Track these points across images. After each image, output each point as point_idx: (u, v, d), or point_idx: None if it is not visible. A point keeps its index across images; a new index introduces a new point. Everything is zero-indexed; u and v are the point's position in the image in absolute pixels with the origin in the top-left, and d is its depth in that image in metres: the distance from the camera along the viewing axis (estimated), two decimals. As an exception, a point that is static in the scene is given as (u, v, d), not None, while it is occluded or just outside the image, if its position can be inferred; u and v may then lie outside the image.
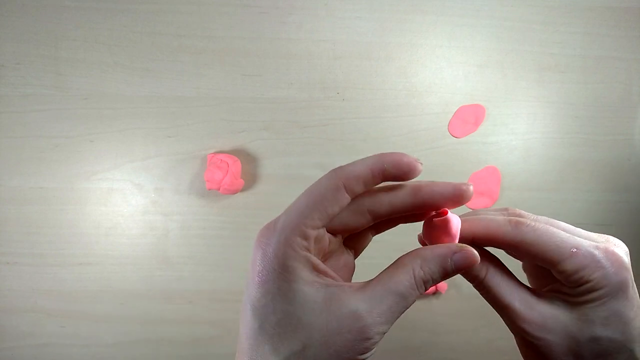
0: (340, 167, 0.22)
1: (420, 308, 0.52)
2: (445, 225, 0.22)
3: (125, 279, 0.50)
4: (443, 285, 0.50)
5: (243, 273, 0.51)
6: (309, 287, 0.21)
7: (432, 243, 0.23)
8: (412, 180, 0.22)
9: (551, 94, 0.52)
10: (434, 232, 0.23)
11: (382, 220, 0.24)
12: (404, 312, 0.21)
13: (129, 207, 0.50)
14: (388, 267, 0.22)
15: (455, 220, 0.22)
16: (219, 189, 0.48)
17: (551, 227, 0.22)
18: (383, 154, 0.22)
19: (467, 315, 0.52)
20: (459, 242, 0.23)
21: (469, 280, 0.24)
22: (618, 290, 0.22)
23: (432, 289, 0.50)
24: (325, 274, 0.22)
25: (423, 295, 0.51)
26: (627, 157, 0.53)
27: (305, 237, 0.21)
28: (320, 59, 0.51)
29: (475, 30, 0.52)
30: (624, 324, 0.22)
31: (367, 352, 0.21)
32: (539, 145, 0.52)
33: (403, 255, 0.22)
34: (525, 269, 0.28)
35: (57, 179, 0.50)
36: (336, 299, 0.21)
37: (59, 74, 0.49)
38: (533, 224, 0.23)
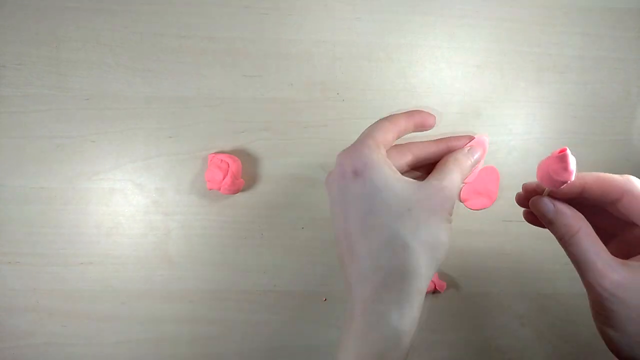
0: (389, 115, 0.32)
1: (420, 307, 0.52)
2: (565, 161, 0.25)
3: (127, 279, 0.51)
4: (443, 284, 0.51)
5: (243, 272, 0.51)
6: (395, 176, 0.28)
7: (549, 180, 0.26)
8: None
9: (550, 94, 0.52)
10: (553, 167, 0.25)
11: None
12: (459, 187, 0.29)
13: (130, 207, 0.51)
14: (437, 167, 0.31)
15: (572, 157, 0.25)
16: (219, 189, 0.48)
17: None
18: (412, 110, 0.32)
19: (466, 315, 0.53)
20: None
21: (560, 236, 0.27)
22: None
23: (431, 288, 0.50)
24: (397, 172, 0.29)
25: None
26: (626, 157, 0.53)
27: (378, 146, 0.28)
28: (321, 59, 0.51)
29: (474, 31, 0.52)
30: None
31: (451, 213, 0.28)
32: (537, 146, 0.52)
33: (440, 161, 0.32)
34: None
35: (58, 179, 0.50)
36: (414, 182, 0.28)
37: (60, 75, 0.50)
38: None
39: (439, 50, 0.52)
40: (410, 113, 0.32)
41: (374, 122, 0.31)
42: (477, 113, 0.52)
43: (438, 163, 0.31)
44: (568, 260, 0.27)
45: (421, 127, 0.33)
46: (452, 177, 0.28)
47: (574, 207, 0.28)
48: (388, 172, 0.27)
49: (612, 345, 0.25)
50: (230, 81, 0.50)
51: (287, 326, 0.52)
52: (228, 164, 0.48)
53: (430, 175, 0.29)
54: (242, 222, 0.51)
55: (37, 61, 0.49)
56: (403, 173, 0.31)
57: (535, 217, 0.31)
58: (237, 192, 0.49)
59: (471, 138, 0.33)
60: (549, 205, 0.27)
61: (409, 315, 0.26)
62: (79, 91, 0.50)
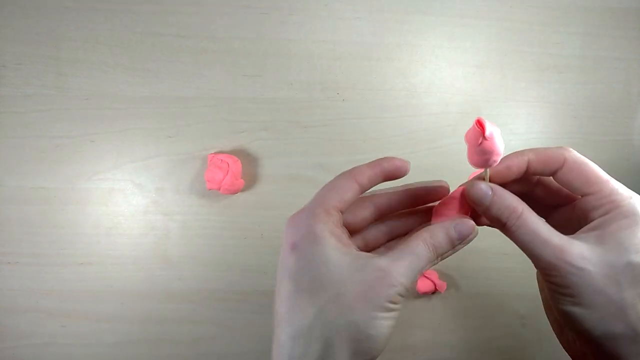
0: (351, 168, 0.28)
1: (420, 308, 0.52)
2: (480, 126, 0.25)
3: (126, 279, 0.51)
4: (443, 284, 0.51)
5: (243, 272, 0.51)
6: (337, 251, 0.24)
7: (475, 156, 0.27)
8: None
9: (550, 94, 0.52)
10: (473, 136, 0.26)
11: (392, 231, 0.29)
12: (420, 273, 0.25)
13: (130, 207, 0.51)
14: (403, 240, 0.26)
15: (494, 128, 0.26)
16: (219, 189, 0.48)
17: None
18: (382, 158, 0.28)
19: (467, 315, 0.53)
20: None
21: (503, 221, 0.26)
22: None
23: (431, 288, 0.50)
24: (349, 246, 0.26)
25: (422, 294, 0.51)
26: (626, 157, 0.53)
27: (328, 213, 0.25)
28: (321, 59, 0.51)
29: (474, 30, 0.52)
30: None
31: (395, 302, 0.24)
32: (538, 146, 0.52)
33: (414, 230, 0.27)
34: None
35: (58, 179, 0.50)
36: (362, 260, 0.24)
37: (60, 75, 0.50)
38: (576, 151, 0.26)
39: (439, 49, 0.52)
40: (375, 163, 0.28)
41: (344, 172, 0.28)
42: (477, 113, 0.52)
43: (411, 235, 0.26)
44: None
45: (392, 177, 0.28)
46: (412, 259, 0.24)
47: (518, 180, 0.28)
48: (330, 246, 0.24)
49: (582, 327, 0.24)
50: (230, 81, 0.50)
51: (287, 326, 0.51)
52: (228, 164, 0.48)
53: (391, 251, 0.25)
54: (242, 222, 0.51)
55: (37, 61, 0.49)
56: (369, 229, 0.29)
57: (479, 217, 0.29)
58: (237, 192, 0.49)
59: (445, 189, 0.29)
60: (483, 188, 0.26)
61: None
62: (79, 91, 0.50)
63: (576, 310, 0.24)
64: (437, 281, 0.50)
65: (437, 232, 0.26)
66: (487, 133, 0.25)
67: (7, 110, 0.49)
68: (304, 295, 0.24)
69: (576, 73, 0.52)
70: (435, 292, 0.51)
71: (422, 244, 0.25)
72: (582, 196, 0.26)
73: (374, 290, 0.23)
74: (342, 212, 0.27)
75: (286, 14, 0.51)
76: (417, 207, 0.30)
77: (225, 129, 0.51)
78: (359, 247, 0.28)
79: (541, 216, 0.27)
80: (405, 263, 0.24)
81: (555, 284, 0.24)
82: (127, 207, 0.51)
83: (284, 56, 0.51)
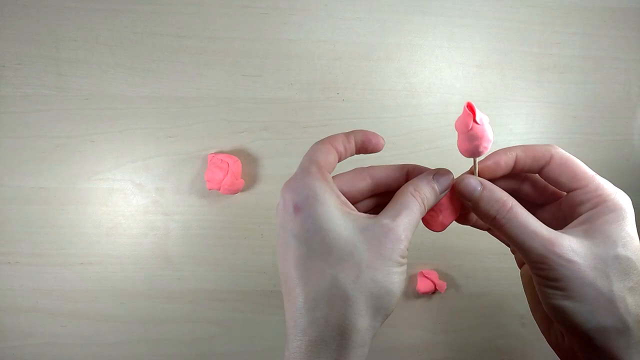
0: (336, 136, 0.29)
1: (420, 308, 0.52)
2: (470, 110, 0.26)
3: (126, 279, 0.51)
4: (443, 284, 0.51)
5: (243, 272, 0.51)
6: (340, 212, 0.25)
7: (465, 144, 0.27)
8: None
9: (550, 94, 0.52)
10: (463, 122, 0.27)
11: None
12: (416, 225, 0.26)
13: (130, 207, 0.51)
14: (392, 200, 0.26)
15: (483, 116, 0.27)
16: (219, 189, 0.48)
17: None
18: (357, 130, 0.29)
19: (466, 315, 0.53)
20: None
21: (492, 214, 0.26)
22: (630, 214, 0.25)
23: (431, 288, 0.50)
24: (348, 205, 0.26)
25: (422, 294, 0.51)
26: (626, 157, 0.53)
27: (323, 173, 0.26)
28: (321, 59, 0.51)
29: (474, 30, 0.52)
30: (636, 247, 0.24)
31: (404, 257, 0.24)
32: (538, 146, 0.52)
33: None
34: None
35: (58, 179, 0.50)
36: (365, 219, 0.25)
37: (60, 75, 0.50)
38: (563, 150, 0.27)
39: (439, 50, 0.52)
40: (349, 133, 0.29)
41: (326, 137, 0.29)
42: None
43: (396, 192, 0.27)
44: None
45: (365, 149, 0.29)
46: (407, 213, 0.25)
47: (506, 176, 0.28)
48: (333, 205, 0.24)
49: (573, 321, 0.24)
50: (230, 81, 0.50)
51: (287, 326, 0.51)
52: (228, 164, 0.48)
53: (384, 209, 0.26)
54: (242, 222, 0.51)
55: (36, 61, 0.49)
56: (363, 200, 0.29)
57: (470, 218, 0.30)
58: (237, 192, 0.49)
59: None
60: (474, 183, 0.26)
61: None
62: (79, 91, 0.50)
63: (566, 303, 0.24)
64: (437, 281, 0.50)
65: (421, 185, 0.27)
66: (477, 117, 0.25)
67: (7, 110, 0.49)
68: (317, 257, 0.24)
69: (576, 73, 0.52)
70: (435, 292, 0.51)
71: (411, 197, 0.26)
72: (568, 192, 0.27)
73: (385, 247, 0.24)
74: (329, 171, 0.27)
75: (286, 14, 0.51)
76: None
77: (225, 129, 0.51)
78: None
79: (538, 207, 0.27)
80: (404, 218, 0.25)
81: (545, 277, 0.24)
82: (127, 207, 0.51)
83: (284, 56, 0.51)
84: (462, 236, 0.52)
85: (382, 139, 0.29)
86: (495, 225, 0.26)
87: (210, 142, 0.51)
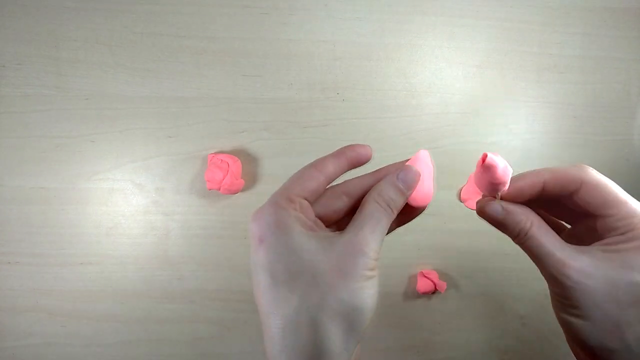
0: (315, 160, 0.28)
1: (419, 308, 0.52)
2: (489, 170, 0.25)
3: (126, 279, 0.51)
4: (443, 284, 0.51)
5: (243, 272, 0.51)
6: (302, 236, 0.24)
7: (484, 189, 0.26)
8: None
9: (550, 94, 0.52)
10: (482, 177, 0.25)
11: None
12: (385, 233, 0.25)
13: (130, 207, 0.51)
14: (358, 210, 0.26)
15: (500, 164, 0.25)
16: (219, 189, 0.48)
17: (608, 179, 0.26)
18: (344, 147, 0.28)
19: (466, 315, 0.53)
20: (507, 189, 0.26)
21: (515, 235, 0.26)
22: None
23: (431, 288, 0.50)
24: (313, 229, 0.25)
25: (422, 294, 0.51)
26: (626, 157, 0.53)
27: (291, 201, 0.25)
28: (320, 59, 0.51)
29: (474, 30, 0.52)
30: None
31: (371, 269, 0.24)
32: (538, 146, 0.52)
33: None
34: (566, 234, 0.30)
35: (58, 179, 0.50)
36: (329, 238, 0.25)
37: (60, 75, 0.50)
38: (595, 170, 0.26)
39: (439, 50, 0.52)
40: (338, 152, 0.28)
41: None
42: (477, 113, 0.52)
43: (362, 201, 0.27)
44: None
45: (357, 163, 0.28)
46: (372, 223, 0.25)
47: (525, 204, 0.27)
48: (296, 231, 0.24)
49: (578, 336, 0.25)
50: (230, 81, 0.50)
51: (287, 326, 0.51)
52: (228, 164, 0.48)
53: (350, 222, 0.25)
54: (242, 222, 0.51)
55: (36, 61, 0.49)
56: (343, 218, 0.28)
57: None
58: (237, 192, 0.49)
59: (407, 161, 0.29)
60: (496, 207, 0.27)
61: None
62: (79, 91, 0.50)
63: (574, 320, 0.24)
64: (437, 281, 0.50)
65: (385, 189, 0.26)
66: (499, 172, 0.25)
67: (7, 110, 0.49)
68: (282, 285, 0.24)
69: (576, 73, 0.52)
70: (435, 292, 0.51)
71: (375, 205, 0.25)
72: (599, 215, 0.26)
73: (347, 263, 0.23)
74: (308, 200, 0.27)
75: (286, 14, 0.51)
76: None
77: (225, 129, 0.51)
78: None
79: (560, 228, 0.28)
80: (368, 229, 0.24)
81: (556, 294, 0.25)
82: (127, 207, 0.51)
83: (284, 56, 0.51)
84: (462, 236, 0.52)
85: (370, 148, 0.29)
86: (518, 243, 0.27)
87: (210, 142, 0.50)
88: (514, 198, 0.27)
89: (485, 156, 0.24)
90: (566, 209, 0.28)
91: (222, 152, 0.50)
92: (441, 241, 0.52)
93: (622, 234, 0.24)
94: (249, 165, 0.51)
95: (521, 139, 0.52)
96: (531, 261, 0.26)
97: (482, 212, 0.27)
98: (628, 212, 0.25)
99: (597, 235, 0.26)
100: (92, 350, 0.51)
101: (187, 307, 0.51)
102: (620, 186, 0.27)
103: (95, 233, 0.50)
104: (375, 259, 0.24)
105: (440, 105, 0.52)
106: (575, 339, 0.25)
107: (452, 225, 0.52)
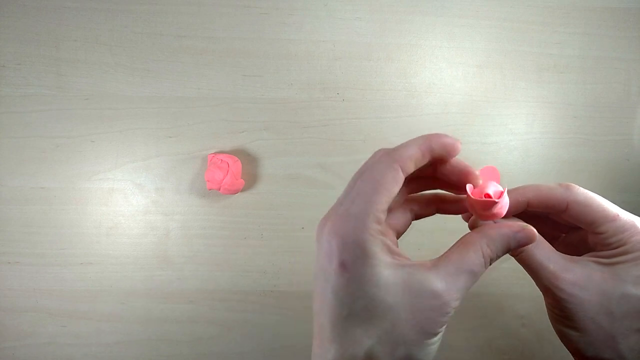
0: (393, 150, 0.24)
1: (420, 307, 0.52)
2: (489, 206, 0.23)
3: (126, 279, 0.51)
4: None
5: (243, 272, 0.51)
6: (389, 269, 0.22)
7: (481, 216, 0.24)
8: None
9: (550, 94, 0.52)
10: (485, 209, 0.24)
11: (421, 205, 0.27)
12: (470, 287, 0.23)
13: (130, 207, 0.51)
14: (456, 245, 0.24)
15: (504, 200, 0.24)
16: (219, 189, 0.48)
17: (596, 195, 0.25)
18: (429, 135, 0.24)
19: (466, 315, 0.53)
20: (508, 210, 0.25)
21: (507, 251, 0.25)
22: None
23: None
24: (398, 254, 0.23)
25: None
26: (626, 157, 0.53)
27: (379, 222, 0.22)
28: (321, 59, 0.51)
29: (474, 30, 0.52)
30: None
31: (444, 325, 0.23)
32: (538, 146, 0.52)
33: (469, 233, 0.24)
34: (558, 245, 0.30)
35: (58, 179, 0.50)
36: (415, 279, 0.22)
37: (60, 75, 0.50)
38: (581, 188, 0.25)
39: (439, 50, 0.52)
40: (423, 145, 0.24)
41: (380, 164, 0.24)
42: (477, 113, 0.52)
43: (464, 240, 0.24)
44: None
45: (441, 160, 0.25)
46: (467, 277, 0.22)
47: (517, 215, 0.26)
48: (383, 266, 0.22)
49: (574, 347, 0.25)
50: (230, 81, 0.50)
51: (287, 326, 0.51)
52: (228, 164, 0.48)
53: (441, 260, 0.23)
54: (242, 222, 0.51)
55: (36, 61, 0.49)
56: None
57: None
58: (237, 192, 0.49)
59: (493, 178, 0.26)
60: (510, 239, 0.24)
61: None
62: (79, 91, 0.50)
63: (569, 331, 0.25)
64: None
65: (497, 241, 0.23)
66: (500, 214, 0.24)
67: (7, 110, 0.49)
68: (357, 323, 0.22)
69: (576, 73, 0.52)
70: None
71: (479, 257, 0.23)
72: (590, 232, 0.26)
73: (429, 321, 0.22)
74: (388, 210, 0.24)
75: (286, 14, 0.51)
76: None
77: (226, 129, 0.51)
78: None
79: (554, 237, 0.27)
80: (460, 284, 0.22)
81: (551, 305, 0.25)
82: (127, 207, 0.51)
83: (284, 56, 0.51)
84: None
85: (459, 143, 0.25)
86: (512, 256, 0.26)
87: (210, 142, 0.50)
88: (499, 216, 0.26)
89: (489, 195, 0.23)
90: (555, 224, 0.28)
91: (222, 152, 0.50)
92: (441, 241, 0.52)
93: (614, 248, 0.24)
94: (249, 165, 0.51)
95: (521, 139, 0.52)
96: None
97: (471, 229, 0.26)
98: (618, 229, 0.24)
99: (590, 245, 0.26)
100: (93, 349, 0.51)
101: (187, 307, 0.51)
102: (620, 186, 0.26)
103: (95, 233, 0.50)
104: (452, 314, 0.23)
105: (440, 105, 0.52)
106: (572, 350, 0.25)
107: (452, 225, 0.52)
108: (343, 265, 0.22)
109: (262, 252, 0.51)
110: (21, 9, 0.49)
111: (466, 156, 0.51)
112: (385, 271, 0.22)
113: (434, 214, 0.28)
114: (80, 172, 0.50)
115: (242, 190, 0.51)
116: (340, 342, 0.22)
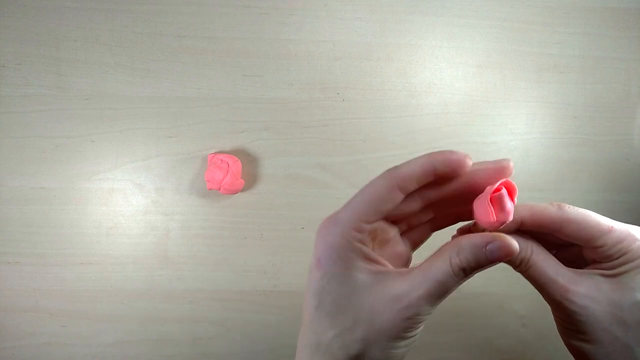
0: (395, 168, 0.24)
1: (420, 307, 0.52)
2: (500, 201, 0.23)
3: (126, 279, 0.51)
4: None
5: (243, 272, 0.51)
6: (360, 273, 0.24)
7: (483, 221, 0.24)
8: None
9: (550, 94, 0.52)
10: (489, 208, 0.23)
11: (439, 216, 0.27)
12: (445, 295, 0.24)
13: (130, 207, 0.51)
14: (431, 255, 0.25)
15: (507, 197, 0.23)
16: (219, 189, 0.48)
17: (587, 210, 0.25)
18: (433, 153, 0.24)
19: (467, 315, 0.53)
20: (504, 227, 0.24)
21: (516, 265, 0.26)
22: None
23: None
24: (376, 261, 0.25)
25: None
26: (626, 157, 0.53)
27: (361, 231, 0.24)
28: (321, 59, 0.51)
29: (474, 30, 0.52)
30: None
31: (411, 330, 0.24)
32: (538, 146, 0.52)
33: (444, 243, 0.25)
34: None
35: (58, 179, 0.50)
36: (381, 284, 0.24)
37: (60, 75, 0.50)
38: (573, 207, 0.25)
39: (439, 50, 0.52)
40: (429, 162, 0.24)
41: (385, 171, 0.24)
42: (477, 113, 0.52)
43: (437, 251, 0.25)
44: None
45: (446, 176, 0.24)
46: (429, 285, 0.23)
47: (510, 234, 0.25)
48: (354, 268, 0.24)
49: (587, 359, 0.25)
50: (230, 81, 0.50)
51: (287, 326, 0.51)
52: (228, 164, 0.48)
53: (413, 268, 0.24)
54: (242, 222, 0.51)
55: (36, 61, 0.49)
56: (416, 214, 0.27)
57: None
58: (237, 192, 0.49)
59: (496, 162, 0.24)
60: (481, 250, 0.24)
61: None
62: (79, 91, 0.50)
63: (583, 345, 0.25)
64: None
65: (465, 250, 0.23)
66: (509, 214, 0.23)
67: (7, 110, 0.49)
68: (324, 315, 0.24)
69: (576, 73, 0.52)
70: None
71: (446, 267, 0.23)
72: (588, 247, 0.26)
73: (389, 323, 0.23)
74: (379, 220, 0.25)
75: (286, 14, 0.51)
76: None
77: (226, 129, 0.51)
78: (400, 232, 0.27)
79: (558, 248, 0.27)
80: (423, 291, 0.23)
81: (562, 319, 0.25)
82: (127, 207, 0.51)
83: (284, 56, 0.51)
84: (462, 236, 0.52)
85: (469, 159, 0.24)
86: (519, 272, 0.26)
87: (210, 142, 0.51)
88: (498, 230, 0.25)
89: (500, 189, 0.23)
90: (556, 240, 0.27)
91: (222, 152, 0.50)
92: (441, 241, 0.52)
93: (616, 259, 0.24)
94: (249, 165, 0.51)
95: (521, 139, 0.52)
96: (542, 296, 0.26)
97: None
98: (616, 239, 0.24)
99: (586, 260, 0.26)
100: (93, 349, 0.51)
101: (187, 307, 0.51)
102: (620, 186, 0.27)
103: (95, 233, 0.50)
104: (421, 321, 0.24)
105: (440, 105, 0.52)
106: None
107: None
108: (319, 262, 0.24)
109: (262, 252, 0.51)
110: (21, 9, 0.49)
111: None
112: (356, 274, 0.24)
113: (456, 222, 0.28)
114: (80, 172, 0.50)
115: (242, 190, 0.51)
116: (311, 328, 0.25)
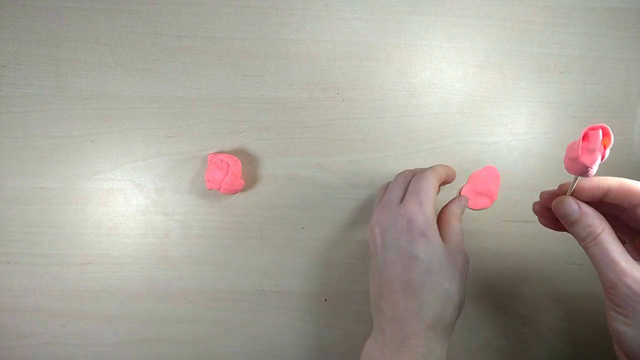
0: (437, 167, 0.40)
1: (420, 307, 0.52)
2: (592, 139, 0.25)
3: (126, 279, 0.51)
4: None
5: (243, 272, 0.51)
6: (439, 239, 0.36)
7: (569, 156, 0.27)
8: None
9: (550, 94, 0.52)
10: (579, 142, 0.25)
11: None
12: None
13: (130, 207, 0.51)
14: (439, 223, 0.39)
15: (599, 139, 0.25)
16: (219, 189, 0.48)
17: None
18: (445, 166, 0.41)
19: (467, 315, 0.53)
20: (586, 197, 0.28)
21: (583, 237, 0.28)
22: None
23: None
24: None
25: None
26: (626, 157, 0.53)
27: (434, 212, 0.37)
28: (321, 59, 0.51)
29: (474, 30, 0.52)
30: None
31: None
32: (538, 146, 0.52)
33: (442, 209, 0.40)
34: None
35: (58, 179, 0.50)
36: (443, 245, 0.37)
37: (60, 75, 0.50)
38: None
39: (439, 50, 0.52)
40: (443, 167, 0.40)
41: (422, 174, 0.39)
42: (477, 113, 0.52)
43: (442, 221, 0.39)
44: (569, 260, 0.27)
45: (447, 181, 0.41)
46: (460, 239, 0.38)
47: (593, 205, 0.28)
48: (439, 237, 0.35)
49: (627, 346, 0.26)
50: (230, 81, 0.50)
51: (287, 326, 0.52)
52: (228, 164, 0.48)
53: (449, 237, 0.38)
54: (242, 222, 0.51)
55: (36, 61, 0.49)
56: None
57: (551, 220, 0.31)
58: (237, 192, 0.49)
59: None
60: (573, 205, 0.28)
61: (445, 349, 0.36)
62: (79, 91, 0.50)
63: (625, 329, 0.26)
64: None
65: (456, 205, 0.42)
66: (594, 157, 0.25)
67: (7, 110, 0.49)
68: (434, 273, 0.34)
69: (576, 73, 0.52)
70: (435, 292, 0.51)
71: (458, 221, 0.41)
72: None
73: (465, 269, 0.38)
74: None
75: (286, 14, 0.51)
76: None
77: (226, 129, 0.51)
78: None
79: (628, 237, 0.28)
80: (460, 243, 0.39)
81: (612, 301, 0.26)
82: (127, 207, 0.51)
83: (284, 56, 0.51)
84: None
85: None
86: (583, 246, 0.28)
87: (210, 142, 0.51)
88: (576, 196, 0.28)
89: (594, 129, 0.24)
90: (624, 226, 0.29)
91: (222, 152, 0.50)
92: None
93: None
94: (249, 165, 0.51)
95: (521, 139, 0.52)
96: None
97: (557, 209, 0.29)
98: None
99: None
100: (93, 349, 0.51)
101: (187, 307, 0.51)
102: (621, 186, 0.27)
103: (95, 233, 0.50)
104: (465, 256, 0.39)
105: (440, 105, 0.52)
106: (624, 348, 0.26)
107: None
108: (423, 233, 0.35)
109: (262, 252, 0.51)
110: (21, 9, 0.49)
111: (466, 156, 0.52)
112: (440, 241, 0.36)
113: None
114: (80, 172, 0.50)
115: (242, 190, 0.51)
116: (426, 291, 0.35)
